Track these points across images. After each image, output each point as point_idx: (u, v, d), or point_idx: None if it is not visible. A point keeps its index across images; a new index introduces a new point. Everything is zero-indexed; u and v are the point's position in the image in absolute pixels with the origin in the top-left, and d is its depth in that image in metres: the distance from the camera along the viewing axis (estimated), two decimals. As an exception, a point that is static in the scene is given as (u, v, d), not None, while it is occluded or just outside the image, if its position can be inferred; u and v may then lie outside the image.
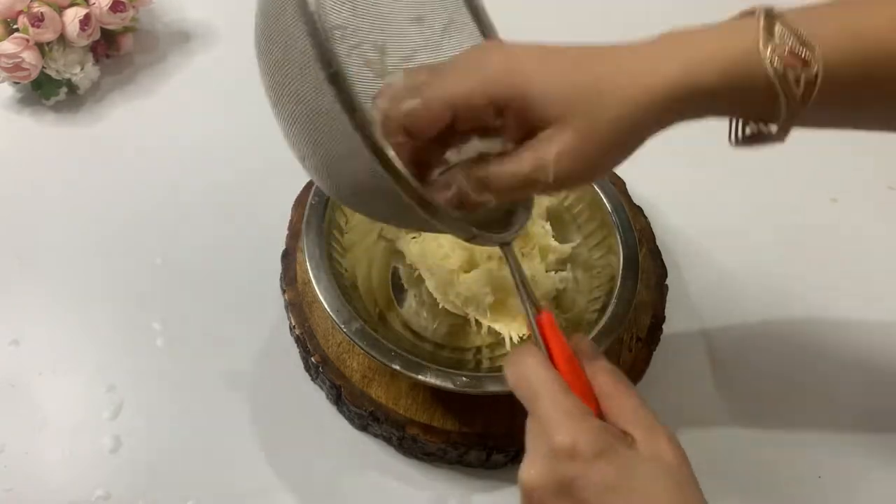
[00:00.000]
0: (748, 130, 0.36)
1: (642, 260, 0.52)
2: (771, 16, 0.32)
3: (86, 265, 0.58)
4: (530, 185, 0.33)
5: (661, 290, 0.56)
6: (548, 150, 0.32)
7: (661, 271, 0.57)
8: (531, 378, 0.34)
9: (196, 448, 0.50)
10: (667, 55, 0.33)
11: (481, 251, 0.52)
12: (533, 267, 0.52)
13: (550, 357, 0.35)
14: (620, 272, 0.50)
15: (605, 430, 0.32)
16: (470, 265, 0.52)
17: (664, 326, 0.54)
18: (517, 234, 0.40)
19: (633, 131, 0.33)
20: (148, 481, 0.49)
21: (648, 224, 0.60)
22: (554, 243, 0.54)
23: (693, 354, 0.57)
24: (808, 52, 0.32)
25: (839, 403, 0.55)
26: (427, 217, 0.33)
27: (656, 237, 0.59)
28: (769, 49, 0.31)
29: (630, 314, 0.49)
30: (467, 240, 0.37)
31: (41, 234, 0.60)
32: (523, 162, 0.33)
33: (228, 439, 0.51)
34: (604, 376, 0.35)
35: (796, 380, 0.56)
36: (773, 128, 0.34)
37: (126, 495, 0.48)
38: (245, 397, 0.53)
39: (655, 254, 0.58)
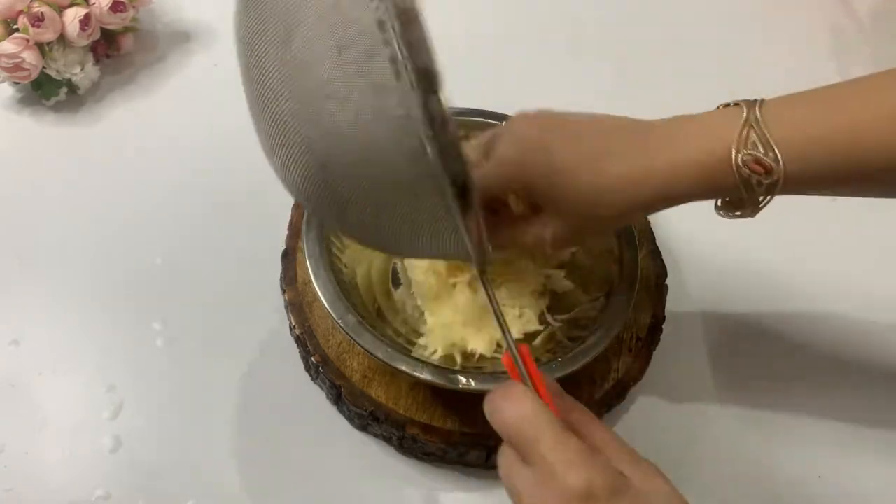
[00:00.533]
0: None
1: (642, 260, 0.52)
2: (748, 121, 0.37)
3: (86, 265, 0.58)
4: (527, 251, 0.45)
5: (661, 290, 0.56)
6: (546, 233, 0.41)
7: (661, 271, 0.57)
8: (529, 418, 0.31)
9: (196, 448, 0.50)
10: (654, 166, 0.38)
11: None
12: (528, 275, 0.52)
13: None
14: (620, 272, 0.50)
15: (612, 468, 0.31)
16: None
17: (664, 326, 0.54)
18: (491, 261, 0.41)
19: (615, 226, 0.45)
20: (148, 481, 0.49)
21: (648, 224, 0.60)
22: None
23: (693, 354, 0.57)
24: (771, 162, 0.36)
25: (839, 403, 0.55)
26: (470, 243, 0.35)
27: (656, 237, 0.59)
28: (739, 157, 0.36)
29: (630, 314, 0.49)
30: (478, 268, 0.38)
31: (41, 234, 0.60)
32: (527, 236, 0.42)
33: (228, 439, 0.51)
34: (577, 413, 0.34)
35: (796, 379, 0.56)
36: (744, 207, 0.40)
37: (126, 495, 0.48)
38: (245, 397, 0.53)
39: (655, 254, 0.58)
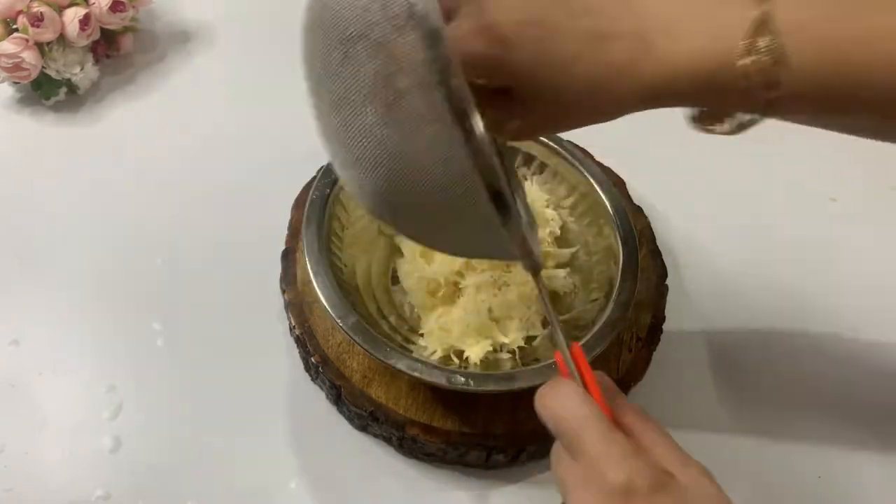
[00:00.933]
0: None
1: (642, 260, 0.52)
2: (763, 20, 0.32)
3: (86, 265, 0.58)
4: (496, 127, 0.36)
5: (661, 290, 0.56)
6: (511, 123, 0.36)
7: (661, 271, 0.57)
8: (576, 413, 0.32)
9: (196, 448, 0.50)
10: (649, 58, 0.33)
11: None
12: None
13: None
14: (620, 272, 0.50)
15: (656, 465, 0.31)
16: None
17: (664, 326, 0.54)
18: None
19: (590, 123, 0.36)
20: (148, 481, 0.49)
21: (648, 224, 0.60)
22: (554, 248, 0.55)
23: (693, 354, 0.57)
24: (780, 74, 0.32)
25: (839, 403, 0.55)
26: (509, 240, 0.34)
27: (656, 237, 0.59)
28: (745, 62, 0.32)
29: (630, 314, 0.49)
30: (528, 268, 0.37)
31: (41, 234, 0.60)
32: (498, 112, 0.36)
33: (228, 439, 0.51)
34: (632, 414, 0.34)
35: (796, 379, 0.56)
36: (738, 119, 0.35)
37: (126, 495, 0.48)
38: (245, 397, 0.53)
39: (655, 254, 0.58)
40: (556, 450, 0.33)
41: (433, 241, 0.39)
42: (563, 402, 0.33)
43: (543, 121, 0.36)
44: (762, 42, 0.32)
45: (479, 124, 0.30)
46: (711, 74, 0.33)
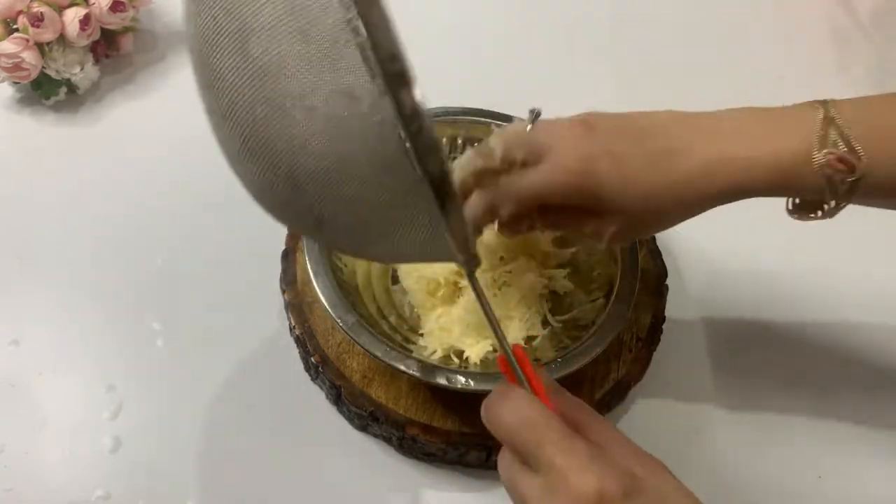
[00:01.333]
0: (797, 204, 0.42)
1: (642, 260, 0.52)
2: (827, 119, 0.36)
3: (86, 265, 0.58)
4: (582, 241, 0.45)
5: (661, 290, 0.56)
6: (605, 230, 0.40)
7: (661, 271, 0.57)
8: (531, 423, 0.30)
9: (196, 448, 0.50)
10: (725, 158, 0.38)
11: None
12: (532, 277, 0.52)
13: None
14: (620, 272, 0.50)
15: (622, 467, 0.30)
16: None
17: (664, 326, 0.54)
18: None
19: (680, 221, 0.41)
20: (148, 481, 0.49)
21: (648, 224, 0.60)
22: (554, 248, 0.54)
23: (693, 354, 0.57)
24: (854, 160, 0.36)
25: (839, 403, 0.55)
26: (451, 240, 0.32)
27: (656, 237, 0.59)
28: (821, 155, 0.36)
29: (630, 314, 0.49)
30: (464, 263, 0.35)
31: (41, 234, 0.60)
32: (586, 227, 0.41)
33: (228, 439, 0.51)
34: (577, 410, 0.33)
35: (796, 380, 0.56)
36: (822, 210, 0.40)
37: (126, 495, 0.48)
38: (245, 397, 0.53)
39: (655, 254, 0.58)
40: (507, 463, 0.31)
41: (364, 247, 0.37)
42: (516, 414, 0.31)
43: (633, 226, 0.41)
44: (832, 135, 0.36)
45: (415, 93, 0.27)
46: (788, 169, 0.37)
